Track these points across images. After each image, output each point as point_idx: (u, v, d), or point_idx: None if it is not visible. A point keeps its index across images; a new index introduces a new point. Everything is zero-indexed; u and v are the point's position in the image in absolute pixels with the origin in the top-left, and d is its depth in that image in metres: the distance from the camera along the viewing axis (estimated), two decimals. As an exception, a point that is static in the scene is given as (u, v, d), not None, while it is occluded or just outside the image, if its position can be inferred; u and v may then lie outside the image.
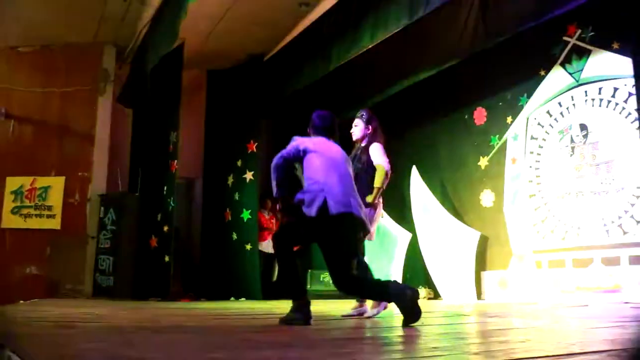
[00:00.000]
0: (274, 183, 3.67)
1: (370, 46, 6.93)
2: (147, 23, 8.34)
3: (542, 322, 3.78)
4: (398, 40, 6.91)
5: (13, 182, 9.14)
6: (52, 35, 9.08)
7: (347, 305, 4.63)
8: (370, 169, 4.74)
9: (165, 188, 8.46)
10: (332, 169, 3.66)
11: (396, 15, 6.36)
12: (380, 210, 4.92)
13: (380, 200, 4.87)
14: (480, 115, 7.70)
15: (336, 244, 3.53)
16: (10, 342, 2.33)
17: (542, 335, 2.91)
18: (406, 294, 3.42)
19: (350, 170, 3.87)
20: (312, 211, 3.52)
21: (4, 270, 8.81)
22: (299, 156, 3.71)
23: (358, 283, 3.58)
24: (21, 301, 6.89)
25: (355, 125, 4.94)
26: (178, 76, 8.55)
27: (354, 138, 4.95)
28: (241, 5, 7.75)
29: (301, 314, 3.52)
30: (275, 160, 3.68)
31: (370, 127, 4.89)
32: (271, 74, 9.09)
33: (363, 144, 4.87)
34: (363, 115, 4.97)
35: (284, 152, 3.72)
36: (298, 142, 3.77)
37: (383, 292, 3.53)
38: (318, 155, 3.69)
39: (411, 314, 3.38)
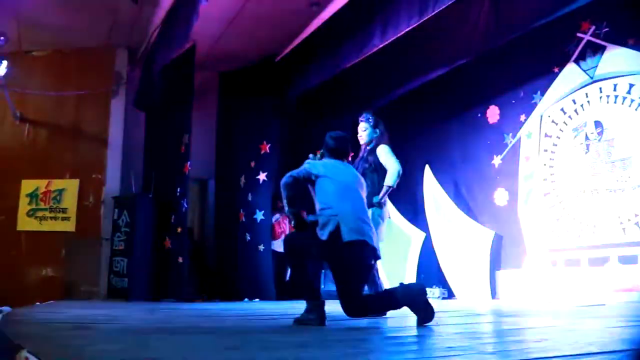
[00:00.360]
0: (284, 201, 3.71)
1: (381, 45, 6.91)
2: (159, 25, 8.37)
3: (558, 321, 3.75)
4: (410, 39, 6.89)
5: (28, 185, 9.22)
6: (65, 39, 9.15)
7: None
8: (379, 169, 4.76)
9: (178, 190, 8.49)
10: (345, 195, 3.69)
11: (406, 13, 6.34)
12: (387, 211, 4.93)
13: (386, 199, 4.88)
14: (493, 113, 7.65)
15: (347, 271, 3.54)
16: (28, 343, 2.35)
17: (559, 335, 2.89)
18: (414, 294, 3.42)
19: (363, 195, 3.88)
20: (323, 235, 3.55)
21: (21, 272, 8.89)
22: (311, 179, 3.73)
23: (364, 306, 3.57)
24: (37, 303, 6.95)
25: (364, 130, 4.95)
26: (190, 78, 8.58)
27: (362, 142, 4.97)
28: (252, 7, 7.76)
29: (315, 315, 3.52)
30: (284, 178, 3.72)
31: (377, 131, 4.93)
32: (283, 75, 9.10)
33: (370, 147, 4.91)
34: (369, 119, 5.00)
35: (294, 171, 3.76)
36: (311, 165, 3.79)
37: (391, 302, 3.52)
38: (331, 181, 3.71)
39: (424, 312, 3.37)
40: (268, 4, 7.77)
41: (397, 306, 3.51)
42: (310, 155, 4.85)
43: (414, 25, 6.35)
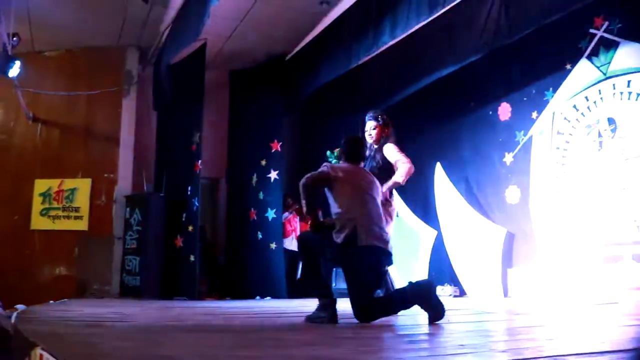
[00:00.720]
0: (303, 202, 3.73)
1: (390, 43, 6.89)
2: (169, 25, 8.41)
3: (570, 319, 3.73)
4: (420, 36, 6.87)
5: (41, 185, 9.29)
6: (76, 39, 9.21)
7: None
8: (386, 166, 4.76)
9: (189, 188, 8.53)
10: (362, 200, 3.72)
11: (416, 11, 6.32)
12: (395, 208, 4.93)
13: (393, 197, 4.89)
14: (504, 110, 7.60)
15: (360, 276, 3.55)
16: (42, 340, 2.37)
17: (571, 333, 2.87)
18: (424, 292, 3.42)
19: (378, 200, 3.89)
20: (339, 238, 3.56)
21: (34, 271, 8.98)
22: (328, 182, 3.74)
23: (375, 310, 3.56)
24: (51, 301, 7.00)
25: (374, 129, 4.93)
26: (201, 77, 8.61)
27: (371, 141, 4.94)
28: (262, 5, 7.77)
29: (327, 313, 3.53)
30: (303, 180, 3.75)
31: (386, 130, 4.92)
32: (293, 73, 9.11)
33: (377, 145, 4.90)
34: (379, 117, 4.98)
35: (313, 173, 3.80)
36: (328, 168, 3.80)
37: (401, 302, 3.52)
38: (348, 185, 3.73)
39: (435, 310, 3.37)
40: (278, 3, 7.78)
41: (408, 305, 3.51)
42: (328, 152, 4.86)
43: (424, 22, 6.32)
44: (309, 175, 3.77)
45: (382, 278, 3.91)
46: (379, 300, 3.68)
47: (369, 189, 3.82)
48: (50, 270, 9.06)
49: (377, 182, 4.02)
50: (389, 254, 3.75)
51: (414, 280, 3.60)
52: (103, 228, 9.15)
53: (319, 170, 3.81)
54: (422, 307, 3.42)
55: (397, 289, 3.71)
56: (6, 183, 9.25)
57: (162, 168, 9.32)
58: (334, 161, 4.73)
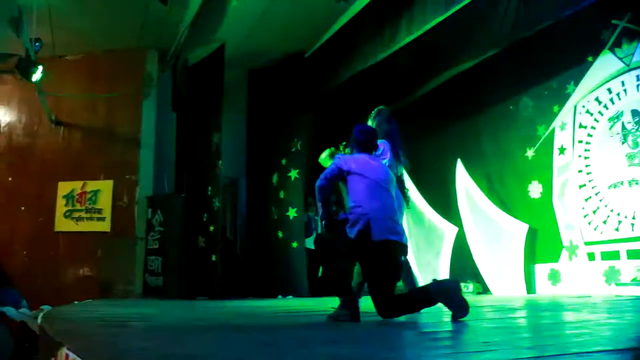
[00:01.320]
0: (319, 204, 3.71)
1: (408, 39, 6.84)
2: (188, 26, 8.45)
3: (596, 315, 3.67)
4: (438, 32, 6.81)
5: (64, 187, 9.41)
6: (96, 42, 9.31)
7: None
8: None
9: (210, 188, 8.57)
10: (376, 193, 3.66)
11: (433, 6, 6.27)
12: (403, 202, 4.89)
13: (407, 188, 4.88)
14: (525, 105, 7.52)
15: (377, 270, 3.52)
16: (68, 340, 2.39)
17: (597, 330, 2.83)
18: (448, 290, 3.39)
19: (393, 191, 3.84)
20: (352, 232, 3.54)
21: (59, 272, 9.10)
22: (343, 176, 3.71)
23: (397, 306, 3.53)
24: (76, 302, 7.09)
25: (379, 126, 4.86)
26: (220, 77, 8.64)
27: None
28: (279, 4, 7.78)
29: (349, 311, 3.52)
30: (318, 182, 3.71)
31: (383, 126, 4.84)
32: (312, 71, 9.10)
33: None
34: (383, 114, 4.91)
35: (327, 172, 3.74)
36: (341, 161, 3.75)
37: (424, 299, 3.49)
38: (362, 178, 3.68)
39: (459, 307, 3.34)
40: (295, 2, 7.78)
41: (431, 303, 3.47)
42: (333, 149, 4.81)
43: (441, 17, 6.26)
44: (322, 176, 3.72)
45: (400, 270, 3.87)
46: (401, 296, 3.65)
47: (384, 181, 3.76)
48: (74, 271, 9.18)
49: (392, 173, 3.97)
50: (405, 246, 3.71)
51: (438, 278, 3.57)
52: (125, 229, 9.23)
53: (330, 167, 3.75)
54: (446, 305, 3.39)
55: (421, 286, 3.67)
56: (31, 186, 9.40)
57: (182, 169, 9.38)
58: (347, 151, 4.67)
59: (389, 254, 3.54)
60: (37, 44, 7.63)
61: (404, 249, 3.71)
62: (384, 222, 3.56)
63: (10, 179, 9.48)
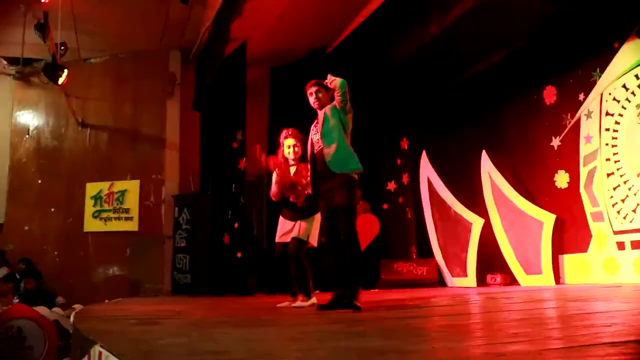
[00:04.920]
0: (348, 96, 4.20)
1: (437, 32, 6.76)
2: (209, 25, 8.50)
3: (627, 305, 3.62)
4: (464, 26, 6.72)
5: (92, 188, 9.57)
6: (120, 44, 9.44)
7: (418, 294, 4.57)
8: None
9: (234, 186, 8.62)
10: None
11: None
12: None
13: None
14: (550, 94, 7.41)
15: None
16: (100, 338, 2.44)
17: (630, 319, 2.79)
18: None
19: None
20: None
21: (89, 272, 9.26)
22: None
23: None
24: (106, 300, 7.20)
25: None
26: (242, 75, 8.68)
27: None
28: (300, 0, 7.76)
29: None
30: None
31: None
32: (334, 67, 9.04)
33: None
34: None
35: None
36: None
37: None
38: None
39: None
40: (315, -4, 7.75)
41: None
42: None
43: (469, 9, 6.16)
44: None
45: None
46: None
47: None
48: (104, 270, 9.33)
49: None
50: None
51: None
52: (153, 228, 9.35)
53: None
54: None
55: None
56: (60, 188, 9.58)
57: (207, 167, 9.44)
58: None
59: None
60: (62, 48, 7.76)
61: None
62: None
63: (40, 181, 9.67)
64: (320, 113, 4.19)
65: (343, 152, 3.93)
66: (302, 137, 4.90)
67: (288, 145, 5.02)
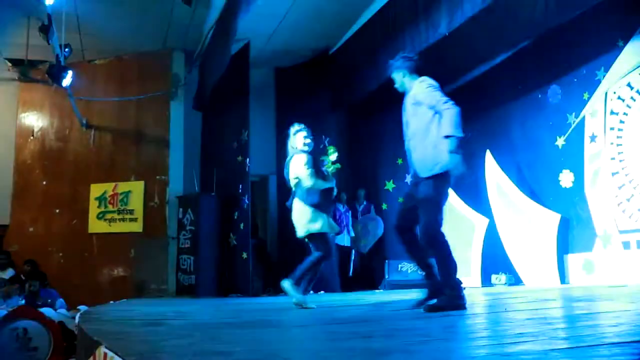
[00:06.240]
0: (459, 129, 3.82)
1: (447, 33, 6.72)
2: (213, 26, 8.51)
3: (634, 305, 3.61)
4: (469, 26, 6.69)
5: (97, 189, 9.58)
6: (123, 45, 9.45)
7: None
8: None
9: (239, 186, 8.62)
10: None
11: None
12: None
13: None
14: (554, 93, 7.40)
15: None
16: (105, 339, 2.44)
17: (636, 319, 2.78)
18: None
19: None
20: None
21: (94, 273, 9.28)
22: None
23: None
24: (111, 301, 7.21)
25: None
26: (246, 76, 8.68)
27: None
28: (303, 1, 7.75)
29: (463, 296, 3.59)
30: (454, 106, 3.87)
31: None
32: (339, 67, 9.05)
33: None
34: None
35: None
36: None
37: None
38: None
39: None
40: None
41: None
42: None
43: (478, 10, 6.12)
44: (450, 101, 3.88)
45: None
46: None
47: None
48: (108, 271, 9.35)
49: None
50: None
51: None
52: (157, 229, 9.37)
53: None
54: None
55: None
56: (64, 189, 9.60)
57: (211, 167, 9.44)
58: (330, 166, 4.75)
59: None
60: (66, 49, 7.78)
61: None
62: None
63: (44, 182, 9.69)
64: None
65: None
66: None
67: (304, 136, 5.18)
